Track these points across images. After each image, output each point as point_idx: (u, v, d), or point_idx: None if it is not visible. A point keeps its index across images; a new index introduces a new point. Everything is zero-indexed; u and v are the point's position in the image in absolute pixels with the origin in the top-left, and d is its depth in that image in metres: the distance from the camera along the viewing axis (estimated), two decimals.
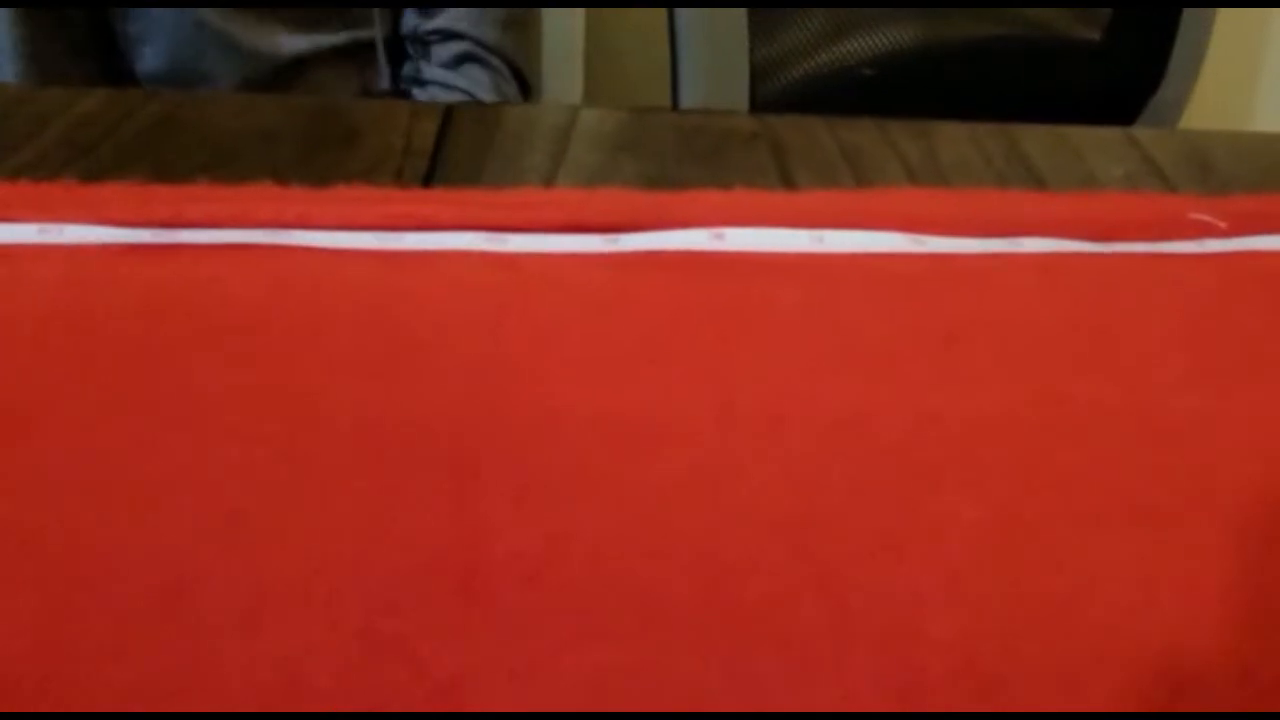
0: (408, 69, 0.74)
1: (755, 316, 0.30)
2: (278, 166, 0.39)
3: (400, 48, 0.74)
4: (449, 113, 0.45)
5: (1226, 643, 0.22)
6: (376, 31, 0.70)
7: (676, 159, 0.42)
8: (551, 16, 0.86)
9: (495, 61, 0.74)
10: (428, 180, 0.39)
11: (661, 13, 1.29)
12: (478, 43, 0.73)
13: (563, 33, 1.17)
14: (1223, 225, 0.35)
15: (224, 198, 0.35)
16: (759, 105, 0.83)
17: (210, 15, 0.62)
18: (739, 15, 0.79)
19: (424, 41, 0.73)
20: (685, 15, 0.77)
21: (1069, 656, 0.22)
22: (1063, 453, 0.27)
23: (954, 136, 0.46)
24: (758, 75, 0.83)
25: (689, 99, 0.79)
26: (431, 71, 0.73)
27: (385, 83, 0.71)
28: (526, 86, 0.77)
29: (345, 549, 0.23)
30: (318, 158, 0.41)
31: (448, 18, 0.73)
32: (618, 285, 0.31)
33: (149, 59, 0.63)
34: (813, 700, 0.21)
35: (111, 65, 0.64)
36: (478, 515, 0.24)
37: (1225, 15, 0.99)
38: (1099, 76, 0.99)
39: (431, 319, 0.30)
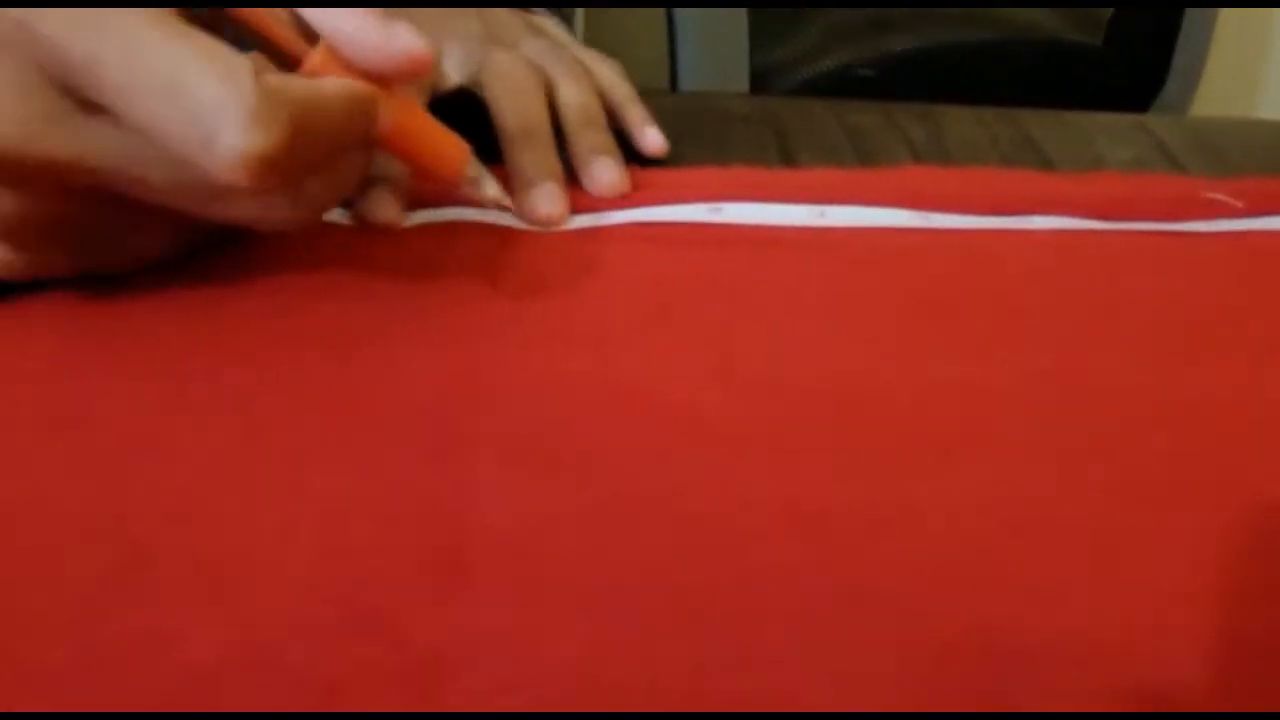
0: None
1: (754, 287, 0.29)
2: None
3: None
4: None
5: (1240, 618, 0.21)
6: None
7: (677, 138, 0.41)
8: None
9: None
10: None
11: (658, 14, 1.29)
12: None
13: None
14: (1239, 205, 0.34)
15: None
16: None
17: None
18: (740, 19, 0.78)
19: None
20: (685, 18, 0.76)
21: (1086, 631, 0.20)
22: (1072, 427, 0.25)
23: (960, 119, 0.44)
24: (756, 80, 0.83)
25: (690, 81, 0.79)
26: None
27: None
28: None
29: (322, 519, 0.22)
30: None
31: None
32: (608, 255, 0.30)
33: None
34: (819, 676, 0.19)
35: None
36: (462, 483, 0.23)
37: (1226, 17, 0.98)
38: (1100, 81, 0.98)
39: (404, 289, 0.29)
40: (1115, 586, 0.21)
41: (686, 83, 0.78)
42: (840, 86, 0.87)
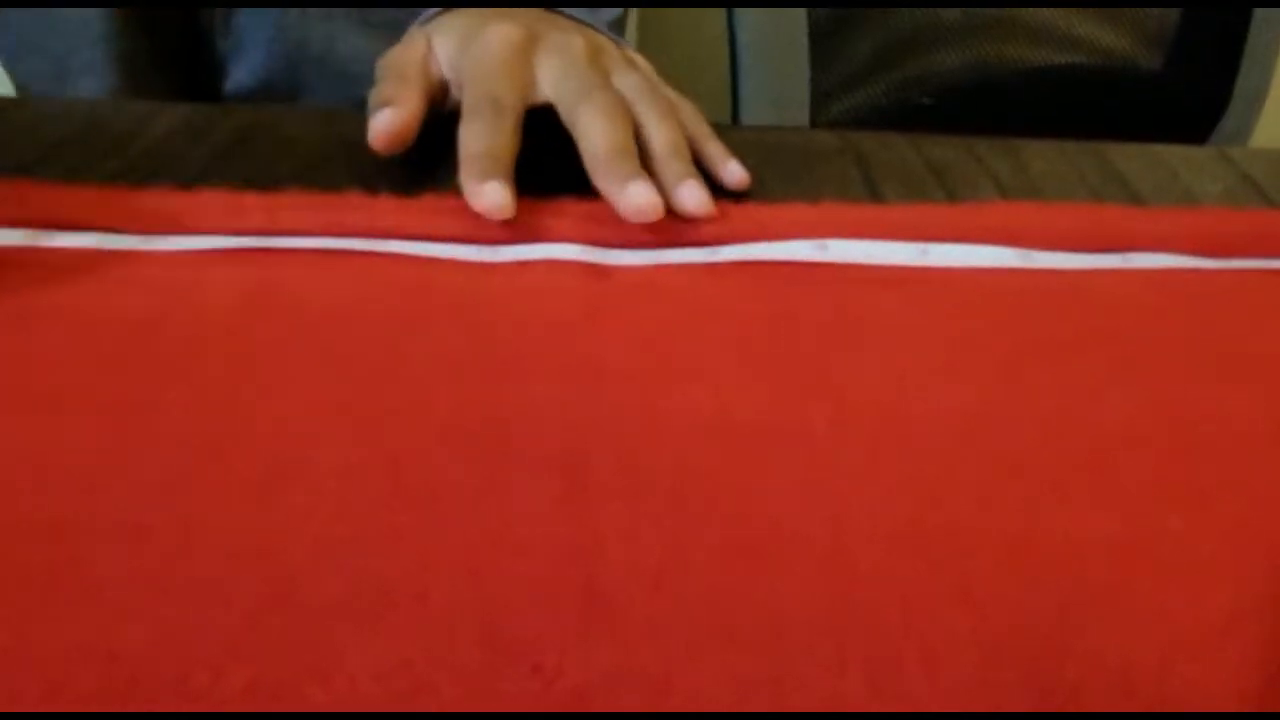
0: None
1: (862, 325, 0.29)
2: (361, 176, 0.39)
3: None
4: None
5: None
6: None
7: (764, 174, 0.41)
8: None
9: None
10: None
11: (713, 39, 1.30)
12: None
13: None
14: None
15: (317, 205, 0.34)
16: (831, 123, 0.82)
17: (315, 35, 0.61)
18: (800, 41, 0.78)
19: None
20: (747, 41, 0.77)
21: (1224, 677, 0.20)
22: (1191, 466, 0.25)
23: (1042, 153, 0.45)
24: (816, 103, 0.83)
25: (753, 114, 0.79)
26: None
27: None
28: None
29: (458, 552, 0.23)
30: (398, 168, 0.40)
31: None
32: (720, 293, 0.31)
33: (239, 78, 0.63)
34: (954, 706, 0.19)
35: (197, 83, 0.63)
36: (592, 520, 0.23)
37: None
38: (1162, 105, 0.97)
39: (530, 325, 0.29)
40: (1248, 627, 0.21)
41: (748, 109, 0.79)
42: (898, 113, 0.88)
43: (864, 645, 0.21)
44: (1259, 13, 0.91)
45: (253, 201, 0.35)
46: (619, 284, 0.31)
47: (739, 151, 0.43)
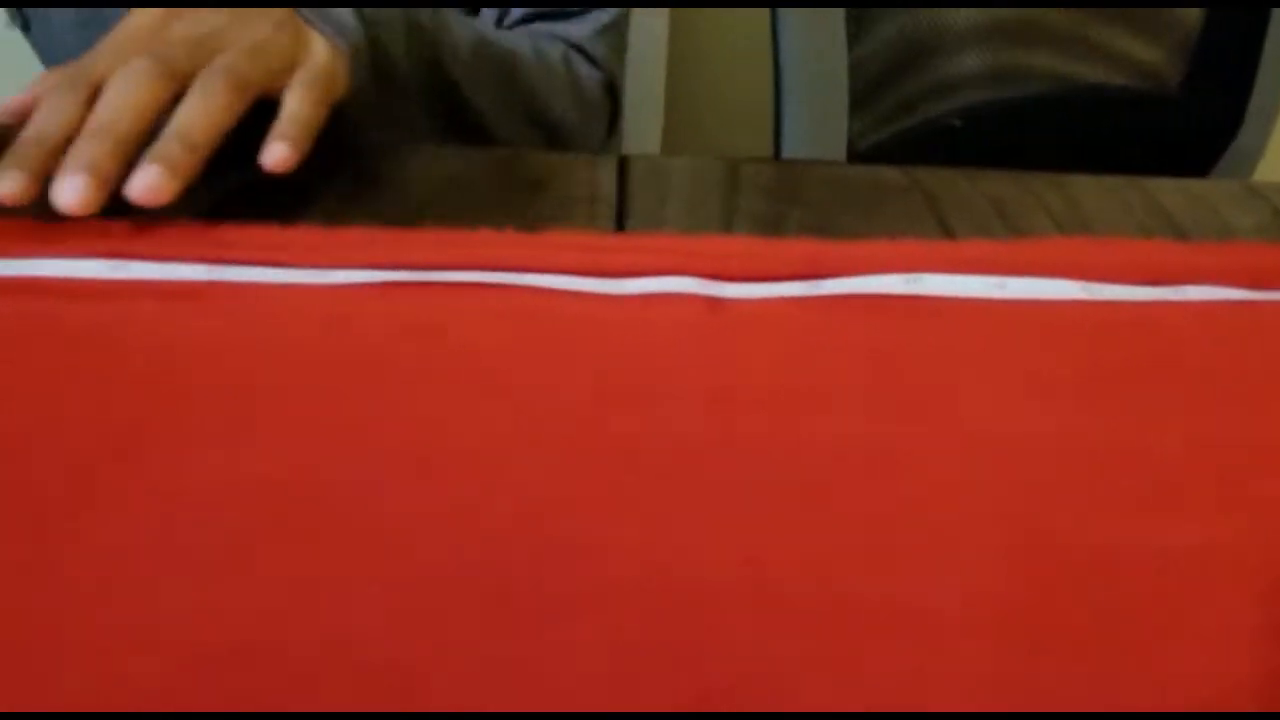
0: None
1: (954, 355, 0.33)
2: (472, 213, 0.43)
3: None
4: (624, 163, 0.49)
5: None
6: None
7: (837, 209, 0.45)
8: (634, 61, 0.88)
9: (600, 72, 0.72)
10: (620, 226, 0.43)
11: (741, 62, 1.34)
12: (589, 56, 0.71)
13: (644, 79, 1.22)
14: None
15: (452, 242, 0.38)
16: (853, 154, 0.86)
17: None
18: (841, 67, 0.82)
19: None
20: (791, 67, 0.81)
21: None
22: (1252, 482, 0.29)
23: (1090, 188, 0.49)
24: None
25: (792, 148, 0.83)
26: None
27: None
28: (617, 108, 0.76)
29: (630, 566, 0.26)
30: (506, 205, 0.44)
31: (559, 29, 0.71)
32: (825, 325, 0.35)
33: None
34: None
35: None
36: (747, 533, 0.27)
37: None
38: (1176, 125, 1.01)
39: (659, 355, 0.33)
40: None
41: (790, 132, 0.83)
42: (925, 133, 0.92)
43: (995, 640, 0.25)
44: (1275, 25, 0.94)
45: (388, 238, 0.39)
46: (735, 316, 0.35)
47: (813, 187, 0.47)
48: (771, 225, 0.44)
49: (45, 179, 0.38)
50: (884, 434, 0.30)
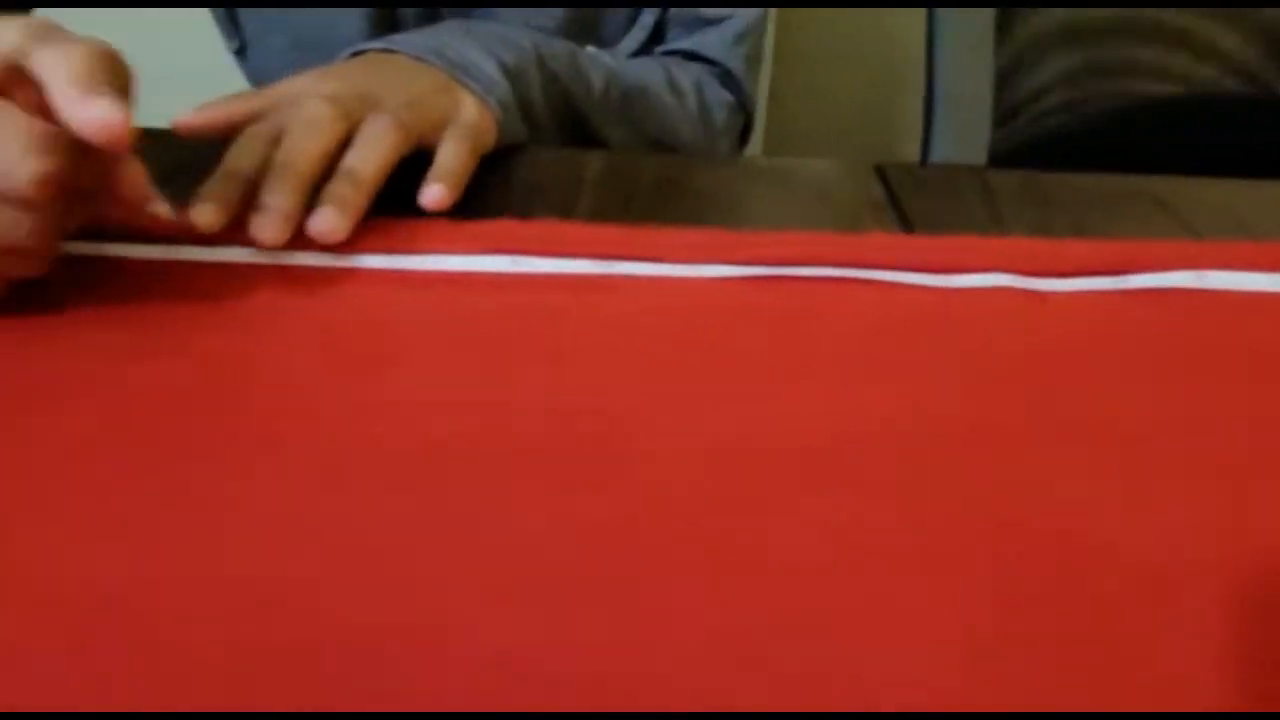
0: None
1: (1243, 347, 0.39)
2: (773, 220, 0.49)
3: None
4: (881, 171, 0.55)
5: None
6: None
7: (1088, 212, 0.51)
8: None
9: (733, 95, 0.76)
10: (907, 229, 0.49)
11: (835, 71, 1.39)
12: (725, 72, 0.75)
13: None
14: None
15: (798, 242, 0.44)
16: (993, 157, 0.92)
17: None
18: (988, 71, 0.88)
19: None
20: (945, 73, 0.87)
21: None
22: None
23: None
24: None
25: (940, 151, 0.89)
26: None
27: None
28: (750, 123, 0.79)
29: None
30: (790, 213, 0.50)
31: (697, 41, 0.74)
32: (1141, 318, 0.41)
33: None
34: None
35: None
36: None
37: None
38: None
39: (995, 342, 0.39)
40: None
41: (940, 135, 0.89)
42: (1060, 135, 0.97)
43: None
44: None
45: (749, 238, 0.45)
46: (1055, 308, 0.41)
47: (1057, 192, 0.53)
48: (1043, 227, 0.49)
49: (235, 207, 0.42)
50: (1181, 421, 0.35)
